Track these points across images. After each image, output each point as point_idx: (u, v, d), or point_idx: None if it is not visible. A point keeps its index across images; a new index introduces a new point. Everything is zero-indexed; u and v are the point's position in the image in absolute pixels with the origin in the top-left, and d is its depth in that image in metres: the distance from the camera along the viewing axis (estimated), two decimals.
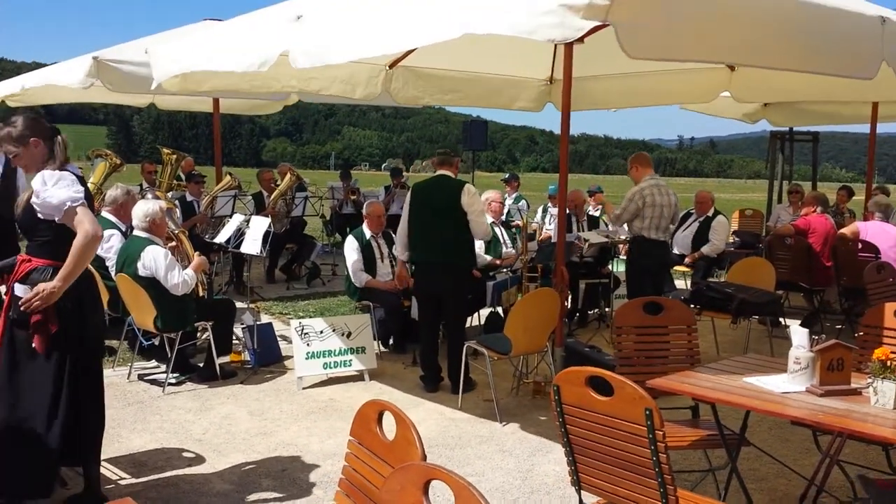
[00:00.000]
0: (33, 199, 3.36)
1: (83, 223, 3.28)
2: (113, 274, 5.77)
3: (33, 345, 3.39)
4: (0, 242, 5.39)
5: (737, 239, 10.18)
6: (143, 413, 5.12)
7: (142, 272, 5.37)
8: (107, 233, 6.06)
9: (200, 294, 5.93)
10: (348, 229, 9.59)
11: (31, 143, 3.42)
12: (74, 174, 3.47)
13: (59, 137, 3.49)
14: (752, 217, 12.03)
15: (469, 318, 6.79)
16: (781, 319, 7.52)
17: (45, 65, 8.55)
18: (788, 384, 3.20)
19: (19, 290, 3.40)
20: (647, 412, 2.52)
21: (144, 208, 5.57)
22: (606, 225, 8.36)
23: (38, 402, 3.44)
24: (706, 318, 6.60)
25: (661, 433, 2.53)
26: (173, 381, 5.67)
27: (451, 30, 3.44)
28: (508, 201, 10.89)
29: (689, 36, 3.44)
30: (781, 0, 3.71)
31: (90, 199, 3.52)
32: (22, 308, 3.33)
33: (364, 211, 7.10)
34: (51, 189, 3.31)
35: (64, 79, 6.94)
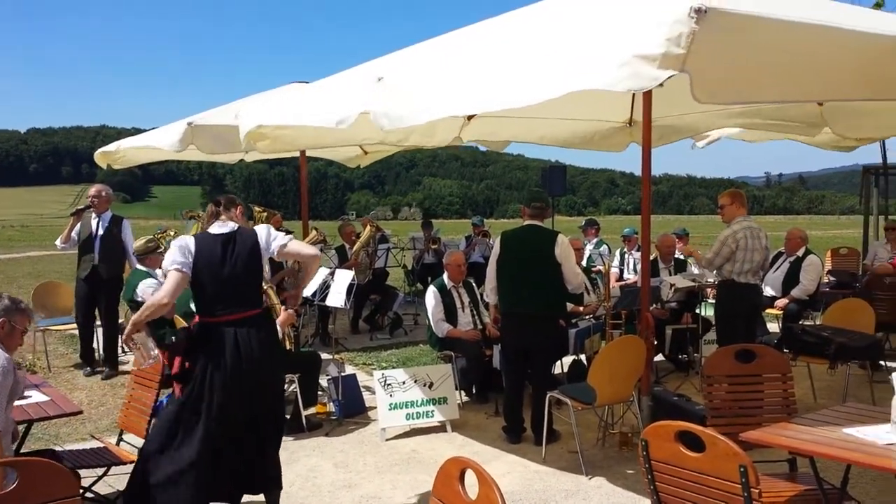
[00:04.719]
0: None
1: None
2: None
3: None
4: None
5: (832, 279, 9.73)
6: None
7: None
8: None
9: (288, 347, 6.05)
10: (429, 279, 9.68)
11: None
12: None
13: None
14: (847, 255, 11.47)
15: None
16: (883, 363, 7.10)
17: (143, 130, 9.04)
18: (892, 435, 3.04)
19: None
20: (742, 469, 2.42)
21: None
22: (692, 268, 8.14)
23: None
24: (801, 363, 6.31)
25: (756, 491, 2.42)
26: None
27: (528, 96, 3.47)
28: (589, 247, 10.75)
29: (764, 79, 3.36)
30: (862, 35, 3.57)
31: None
32: None
33: (444, 260, 7.15)
34: None
35: (161, 143, 7.30)
